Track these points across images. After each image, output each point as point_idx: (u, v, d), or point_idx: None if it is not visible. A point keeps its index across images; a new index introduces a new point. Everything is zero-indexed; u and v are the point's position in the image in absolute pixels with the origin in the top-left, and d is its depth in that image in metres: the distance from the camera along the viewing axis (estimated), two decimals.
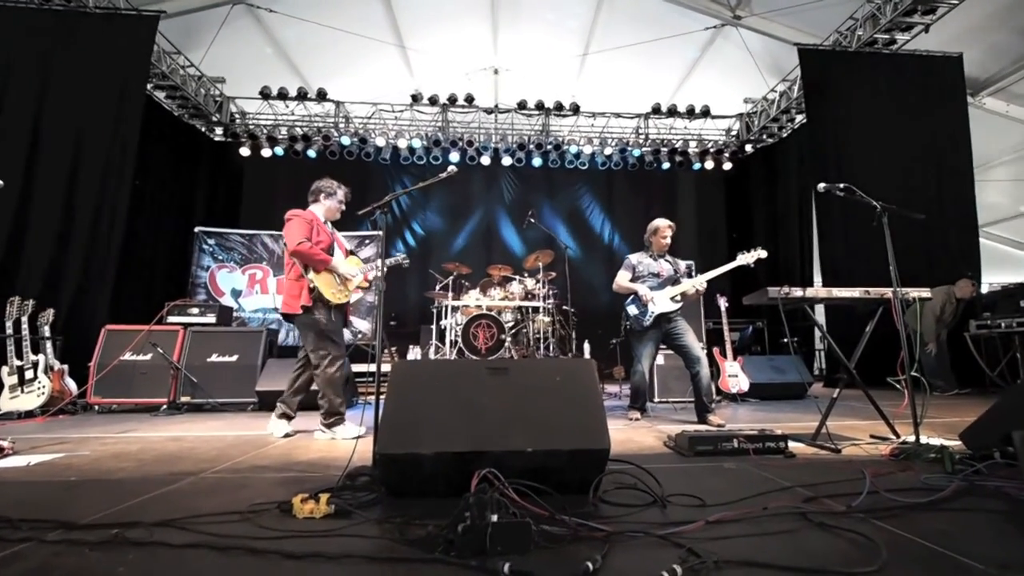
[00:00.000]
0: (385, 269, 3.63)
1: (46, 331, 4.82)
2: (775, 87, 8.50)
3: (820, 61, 6.95)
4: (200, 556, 1.30)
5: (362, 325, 8.15)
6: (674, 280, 4.00)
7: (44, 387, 4.59)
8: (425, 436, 1.67)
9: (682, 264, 4.14)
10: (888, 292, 2.77)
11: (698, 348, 3.86)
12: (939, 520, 1.57)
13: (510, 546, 1.28)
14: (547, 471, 1.64)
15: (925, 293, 2.89)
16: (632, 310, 3.99)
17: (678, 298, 3.92)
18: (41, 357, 4.67)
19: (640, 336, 3.96)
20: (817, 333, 7.70)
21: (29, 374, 4.58)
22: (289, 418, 3.41)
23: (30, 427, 3.89)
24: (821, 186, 3.01)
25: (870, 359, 3.00)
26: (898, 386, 2.74)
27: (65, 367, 4.90)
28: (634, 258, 4.15)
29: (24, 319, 4.67)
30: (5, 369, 4.56)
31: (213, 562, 1.27)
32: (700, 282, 3.92)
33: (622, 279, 4.09)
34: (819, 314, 7.53)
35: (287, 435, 3.31)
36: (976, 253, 6.56)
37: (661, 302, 3.90)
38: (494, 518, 1.30)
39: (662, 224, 4.12)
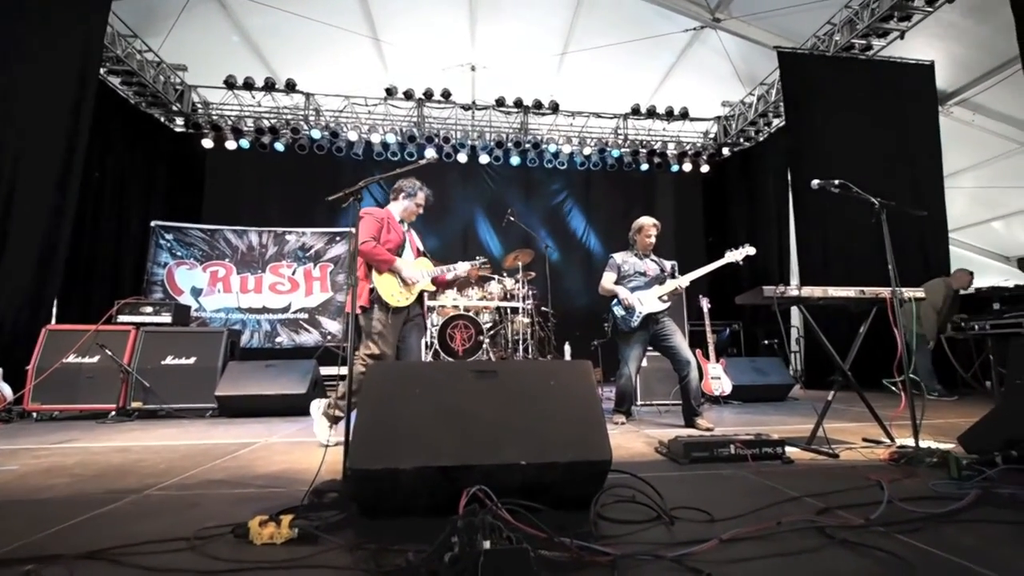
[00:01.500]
0: (465, 273, 3.50)
1: None
2: (752, 91, 8.57)
3: (798, 64, 7.01)
4: None
5: (332, 326, 7.83)
6: (661, 280, 3.88)
7: None
8: (404, 449, 1.46)
9: (667, 264, 4.03)
10: (884, 292, 2.69)
11: (687, 350, 3.74)
12: (965, 533, 1.46)
13: None
14: (542, 486, 1.46)
15: (918, 293, 2.83)
16: (618, 311, 3.85)
17: (665, 298, 3.80)
18: None
19: (627, 338, 3.83)
20: (794, 335, 7.79)
21: None
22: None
23: None
24: (815, 182, 2.92)
25: (860, 361, 2.92)
26: (894, 388, 2.67)
27: (0, 371, 4.47)
28: (619, 257, 4.02)
29: None
30: None
31: None
32: (686, 281, 3.83)
33: (607, 281, 3.96)
34: (795, 316, 7.62)
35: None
36: (946, 258, 6.70)
37: (649, 302, 3.78)
38: (486, 545, 1.11)
39: (647, 222, 4.00)
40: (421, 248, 3.52)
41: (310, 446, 2.99)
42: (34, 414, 4.41)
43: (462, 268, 3.53)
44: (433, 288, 3.46)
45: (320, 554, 1.31)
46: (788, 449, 2.49)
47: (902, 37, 6.41)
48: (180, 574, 1.17)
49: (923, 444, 2.46)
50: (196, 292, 7.63)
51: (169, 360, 4.75)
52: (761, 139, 9.05)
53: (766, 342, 7.26)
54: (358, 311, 3.08)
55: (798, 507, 1.71)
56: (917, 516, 1.56)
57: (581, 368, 1.74)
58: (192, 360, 4.78)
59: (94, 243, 6.90)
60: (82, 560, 1.24)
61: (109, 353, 4.54)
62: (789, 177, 7.43)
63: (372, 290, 3.10)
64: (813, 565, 1.26)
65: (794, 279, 7.67)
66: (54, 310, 5.65)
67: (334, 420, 3.04)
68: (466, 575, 1.08)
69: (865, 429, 3.15)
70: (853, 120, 6.81)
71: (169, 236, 7.67)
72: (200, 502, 1.82)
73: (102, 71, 6.75)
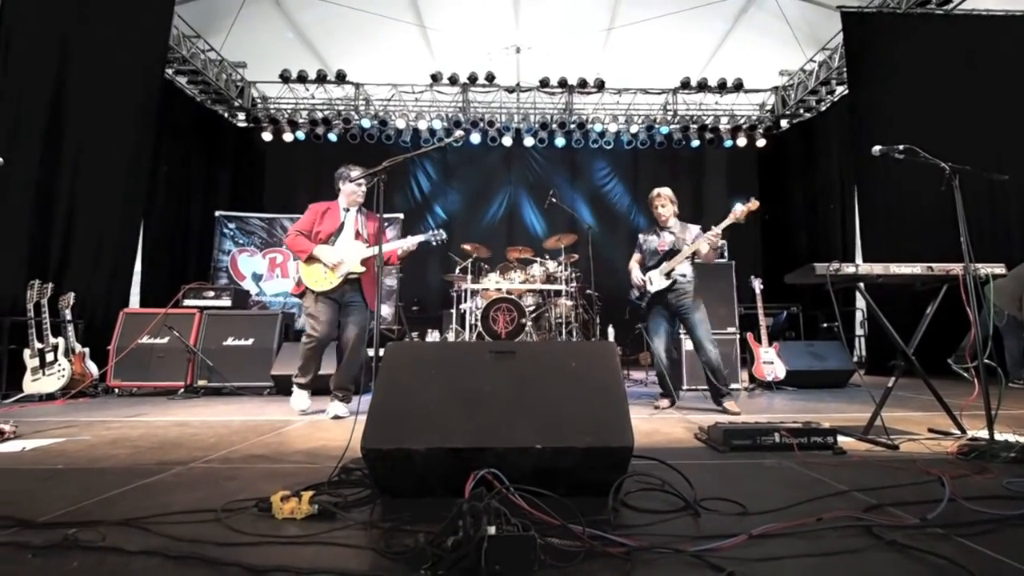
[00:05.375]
0: (414, 246, 3.57)
1: (67, 314, 4.82)
2: (813, 57, 7.93)
3: (865, 25, 6.40)
4: (149, 567, 1.12)
5: (383, 310, 8.06)
6: (672, 253, 3.66)
7: (64, 370, 4.58)
8: (417, 429, 1.45)
9: (691, 232, 3.74)
10: (956, 268, 2.41)
11: (703, 330, 3.53)
12: None
13: (509, 564, 1.06)
14: (558, 472, 1.42)
15: (998, 269, 2.52)
16: (633, 294, 3.86)
17: (674, 273, 3.60)
18: (61, 340, 4.66)
19: (647, 315, 3.79)
20: (858, 318, 7.25)
21: (50, 357, 4.58)
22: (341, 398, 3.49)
23: (48, 410, 3.86)
24: (876, 149, 2.65)
25: (926, 345, 2.65)
26: (966, 375, 2.40)
27: (86, 350, 4.90)
28: (641, 237, 3.94)
29: (44, 302, 4.66)
30: (27, 352, 4.58)
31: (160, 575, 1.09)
32: (688, 253, 3.58)
33: (632, 262, 3.94)
34: (860, 298, 7.07)
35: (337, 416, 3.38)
36: None
37: (656, 280, 3.66)
38: (491, 530, 1.08)
39: (654, 193, 3.84)
40: (363, 232, 3.58)
41: (351, 423, 3.08)
42: (116, 390, 4.83)
43: (411, 241, 3.65)
44: (362, 269, 3.51)
45: (335, 531, 1.33)
46: (841, 439, 2.31)
47: None
48: (202, 544, 1.22)
49: (999, 437, 2.21)
50: (257, 277, 8.06)
51: (230, 341, 5.04)
52: (823, 109, 8.40)
53: (825, 325, 6.80)
54: (298, 298, 3.53)
55: (844, 502, 1.56)
56: (984, 517, 1.39)
57: (604, 350, 1.66)
58: (250, 341, 5.05)
59: (166, 232, 7.41)
60: (117, 526, 1.32)
61: (177, 335, 4.87)
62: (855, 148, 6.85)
63: (299, 279, 3.43)
64: (853, 568, 1.15)
65: (859, 261, 7.12)
66: (133, 295, 6.14)
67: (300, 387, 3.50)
68: (468, 560, 1.06)
69: (932, 419, 2.87)
70: (928, 83, 6.16)
71: (232, 225, 8.12)
72: (237, 475, 1.90)
73: (170, 71, 7.18)
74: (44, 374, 4.53)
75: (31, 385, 4.48)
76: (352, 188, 3.56)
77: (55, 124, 5.74)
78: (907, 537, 1.27)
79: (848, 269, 2.46)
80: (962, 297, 2.29)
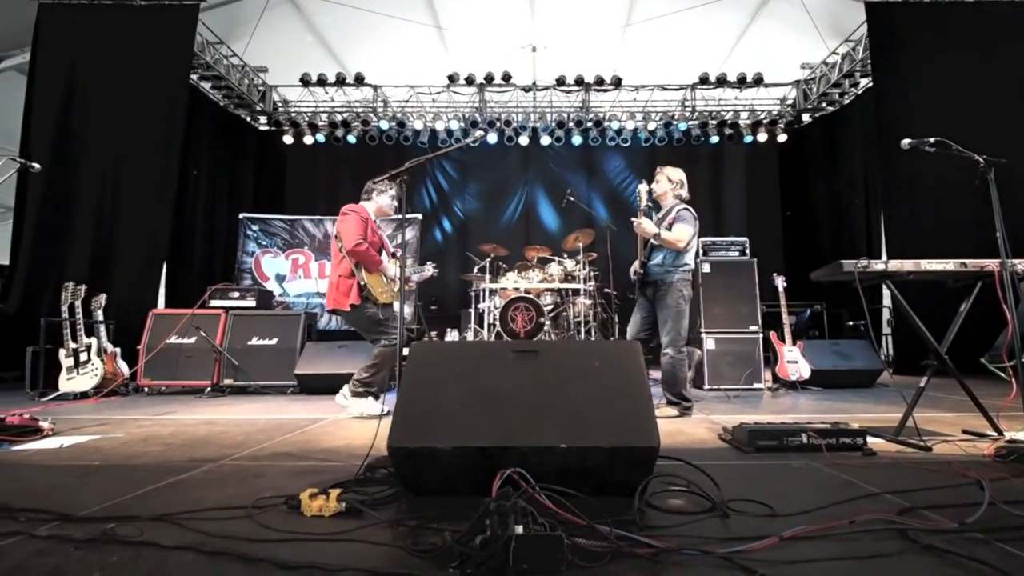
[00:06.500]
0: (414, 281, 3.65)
1: (99, 315, 4.97)
2: (836, 49, 7.74)
3: (890, 15, 6.23)
4: (185, 562, 1.15)
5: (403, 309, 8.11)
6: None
7: (97, 369, 4.72)
8: (443, 428, 1.47)
9: (670, 213, 3.53)
10: (992, 264, 2.34)
11: (665, 331, 3.31)
12: None
13: (537, 564, 1.07)
14: (583, 471, 1.41)
15: None
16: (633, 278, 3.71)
17: (641, 262, 3.50)
18: (93, 340, 4.80)
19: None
20: (885, 316, 7.07)
21: (83, 356, 4.72)
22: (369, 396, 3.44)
23: (82, 408, 3.98)
24: (906, 142, 2.58)
25: (957, 343, 2.56)
26: (1003, 374, 2.33)
27: (117, 350, 5.04)
28: None
29: (78, 304, 4.81)
30: (62, 352, 4.73)
31: (198, 570, 1.12)
32: (640, 229, 3.41)
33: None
34: (887, 295, 6.89)
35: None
36: None
37: (638, 266, 3.56)
38: (518, 529, 1.08)
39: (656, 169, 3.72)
40: (391, 249, 3.68)
41: (371, 423, 3.11)
42: (145, 389, 4.95)
43: (417, 277, 3.94)
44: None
45: (363, 528, 1.35)
46: (871, 440, 2.26)
47: None
48: (234, 540, 1.24)
49: None
50: (280, 278, 8.20)
51: (254, 341, 5.13)
52: (846, 102, 8.20)
53: (851, 323, 6.65)
54: (347, 308, 3.32)
55: (877, 505, 1.53)
56: None
57: (628, 349, 1.65)
58: (274, 341, 5.14)
59: (192, 234, 7.59)
60: (153, 522, 1.36)
61: (203, 335, 4.98)
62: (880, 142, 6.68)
63: (363, 287, 3.30)
64: (889, 573, 1.12)
65: (884, 257, 6.94)
66: (160, 296, 6.30)
67: (365, 393, 3.33)
68: (496, 559, 1.07)
69: (964, 420, 2.79)
70: (958, 73, 5.96)
71: (255, 227, 8.27)
72: (264, 473, 1.94)
73: (194, 77, 7.33)
74: (78, 373, 4.67)
75: (66, 384, 4.62)
76: (389, 202, 3.61)
77: (89, 133, 5.94)
78: (945, 541, 1.24)
79: (877, 266, 2.41)
80: (998, 294, 2.22)
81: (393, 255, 3.68)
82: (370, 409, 3.32)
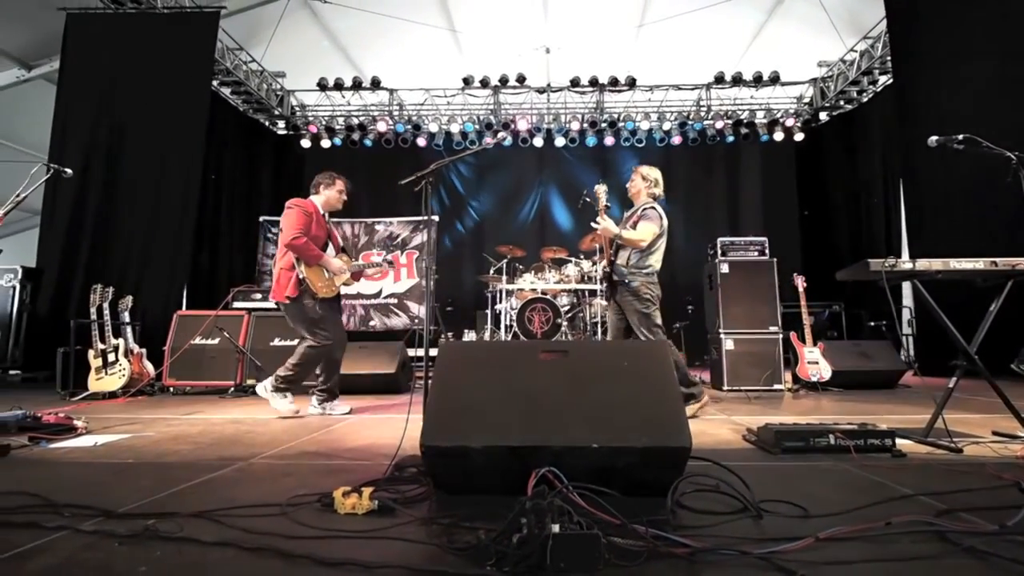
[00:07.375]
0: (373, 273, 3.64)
1: (125, 316, 5.08)
2: (855, 46, 7.63)
3: (911, 9, 6.11)
4: (226, 558, 1.17)
5: (419, 310, 8.17)
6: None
7: (124, 369, 4.82)
8: (474, 427, 1.48)
9: (639, 214, 3.49)
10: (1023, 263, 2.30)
11: (637, 333, 3.24)
12: None
13: (574, 563, 1.07)
14: (614, 471, 1.42)
15: None
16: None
17: (611, 259, 3.45)
18: (121, 341, 4.91)
19: None
20: (905, 316, 6.95)
21: (111, 357, 4.82)
22: (323, 398, 3.56)
23: (111, 407, 4.07)
24: (933, 140, 2.54)
25: (987, 344, 2.51)
26: None
27: (144, 350, 5.15)
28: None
29: (106, 305, 4.92)
30: (91, 352, 4.84)
31: (239, 566, 1.14)
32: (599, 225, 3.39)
33: None
34: (906, 296, 6.76)
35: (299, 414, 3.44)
36: None
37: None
38: (555, 528, 1.09)
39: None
40: (340, 243, 3.68)
41: (396, 422, 3.12)
42: (171, 388, 5.04)
43: (371, 269, 4.00)
44: (353, 282, 3.67)
45: (397, 526, 1.36)
46: (900, 441, 2.22)
47: None
48: (273, 537, 1.27)
49: None
50: None
51: (277, 342, 5.20)
52: (865, 100, 8.07)
53: (872, 324, 6.54)
54: (285, 300, 3.33)
55: (912, 507, 1.51)
56: None
57: (657, 349, 1.65)
58: (296, 342, 5.18)
59: (214, 236, 7.72)
60: (191, 518, 1.39)
61: (227, 335, 5.06)
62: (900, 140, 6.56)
63: (302, 281, 3.27)
64: (929, 575, 1.11)
65: (905, 256, 6.81)
66: (183, 298, 6.42)
67: (283, 389, 3.35)
68: (534, 558, 1.08)
69: (994, 421, 2.74)
70: (979, 70, 5.82)
71: (275, 229, 8.37)
72: (294, 471, 1.97)
73: (215, 83, 7.47)
74: (107, 373, 4.77)
75: (95, 384, 4.72)
76: (337, 196, 3.64)
77: (115, 139, 6.09)
78: (986, 543, 1.22)
79: (905, 265, 2.37)
80: None
81: (343, 250, 3.68)
82: (285, 409, 3.36)
